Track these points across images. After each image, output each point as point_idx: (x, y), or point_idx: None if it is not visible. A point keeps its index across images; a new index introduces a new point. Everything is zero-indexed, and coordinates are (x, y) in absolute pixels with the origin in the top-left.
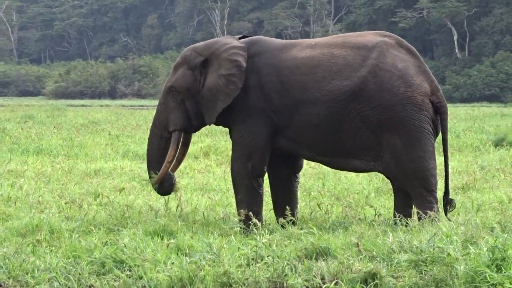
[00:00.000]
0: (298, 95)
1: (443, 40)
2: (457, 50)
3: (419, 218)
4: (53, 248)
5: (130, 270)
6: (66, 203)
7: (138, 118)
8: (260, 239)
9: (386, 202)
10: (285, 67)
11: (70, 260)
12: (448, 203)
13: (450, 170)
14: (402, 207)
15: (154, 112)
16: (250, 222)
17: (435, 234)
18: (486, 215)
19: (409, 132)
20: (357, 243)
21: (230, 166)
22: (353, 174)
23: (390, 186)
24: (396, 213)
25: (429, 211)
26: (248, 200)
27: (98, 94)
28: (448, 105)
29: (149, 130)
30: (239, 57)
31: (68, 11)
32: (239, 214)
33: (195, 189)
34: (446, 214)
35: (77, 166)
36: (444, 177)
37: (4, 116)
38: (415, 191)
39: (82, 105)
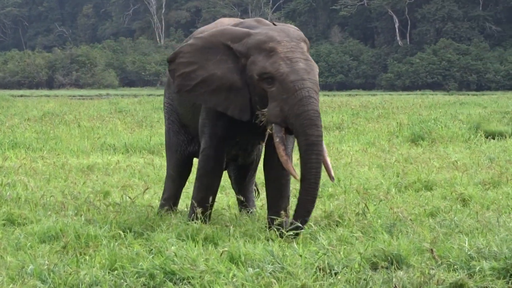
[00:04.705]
0: None
1: (384, 28)
2: (398, 38)
3: None
4: (87, 256)
5: (188, 283)
6: (84, 204)
7: (91, 108)
8: (326, 246)
9: (410, 198)
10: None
11: (116, 272)
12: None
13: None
14: None
15: (97, 102)
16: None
17: None
18: None
19: None
20: (431, 250)
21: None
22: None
23: (408, 181)
24: None
25: None
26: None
27: (35, 84)
28: (391, 93)
29: (117, 120)
30: None
31: (3, 1)
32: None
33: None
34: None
35: (68, 162)
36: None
37: None
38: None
39: (21, 95)
